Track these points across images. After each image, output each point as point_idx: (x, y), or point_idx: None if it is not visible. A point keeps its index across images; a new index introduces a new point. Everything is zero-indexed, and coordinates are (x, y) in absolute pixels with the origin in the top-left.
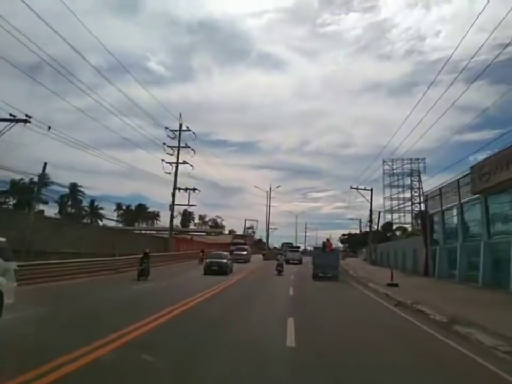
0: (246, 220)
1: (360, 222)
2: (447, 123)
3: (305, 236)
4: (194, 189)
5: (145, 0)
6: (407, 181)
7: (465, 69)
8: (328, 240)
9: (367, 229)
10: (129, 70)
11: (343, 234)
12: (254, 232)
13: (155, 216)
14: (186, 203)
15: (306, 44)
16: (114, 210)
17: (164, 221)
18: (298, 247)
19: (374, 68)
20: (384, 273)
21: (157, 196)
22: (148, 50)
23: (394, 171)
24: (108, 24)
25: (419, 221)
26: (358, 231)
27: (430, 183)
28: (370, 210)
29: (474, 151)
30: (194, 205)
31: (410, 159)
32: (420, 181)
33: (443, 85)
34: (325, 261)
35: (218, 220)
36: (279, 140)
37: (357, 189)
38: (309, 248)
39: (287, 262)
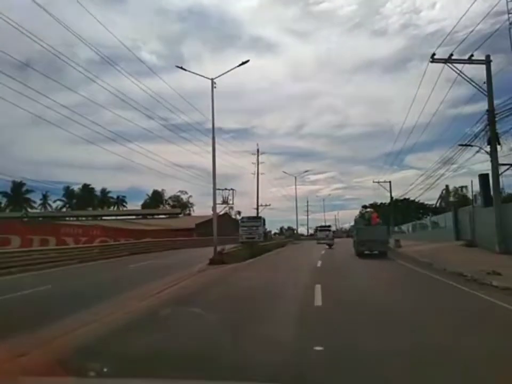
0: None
1: (391, 185)
2: (442, 97)
3: (308, 217)
4: None
5: None
6: None
7: (460, 40)
8: (373, 211)
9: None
10: (120, 61)
11: (365, 206)
12: (232, 207)
13: (120, 201)
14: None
15: (299, 24)
16: (63, 196)
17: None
18: (329, 226)
19: (369, 45)
20: None
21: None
22: (138, 40)
23: None
24: (94, 14)
25: None
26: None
27: None
28: (489, 88)
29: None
30: None
31: None
32: None
33: (437, 57)
34: (371, 236)
35: (184, 197)
36: (275, 124)
37: (447, 61)
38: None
39: (318, 243)
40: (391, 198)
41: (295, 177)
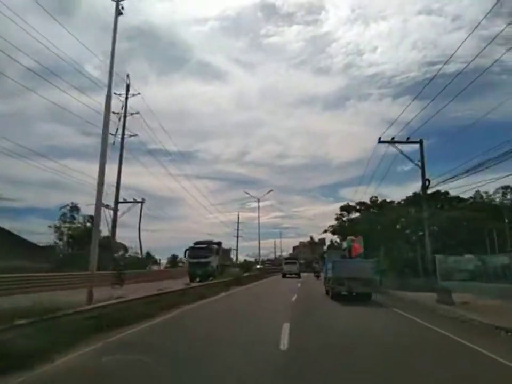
0: None
1: (422, 147)
2: (378, 135)
3: (237, 246)
4: None
5: (81, 4)
6: None
7: (395, 84)
8: (354, 240)
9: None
10: (62, 74)
11: (345, 208)
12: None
13: None
14: None
15: (248, 55)
16: None
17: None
18: (296, 259)
19: (312, 81)
20: None
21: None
22: (82, 54)
23: None
24: (38, 25)
25: None
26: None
27: None
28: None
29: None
30: None
31: None
32: None
33: (374, 98)
34: (353, 273)
35: None
36: (219, 150)
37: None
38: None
39: (284, 275)
40: (426, 183)
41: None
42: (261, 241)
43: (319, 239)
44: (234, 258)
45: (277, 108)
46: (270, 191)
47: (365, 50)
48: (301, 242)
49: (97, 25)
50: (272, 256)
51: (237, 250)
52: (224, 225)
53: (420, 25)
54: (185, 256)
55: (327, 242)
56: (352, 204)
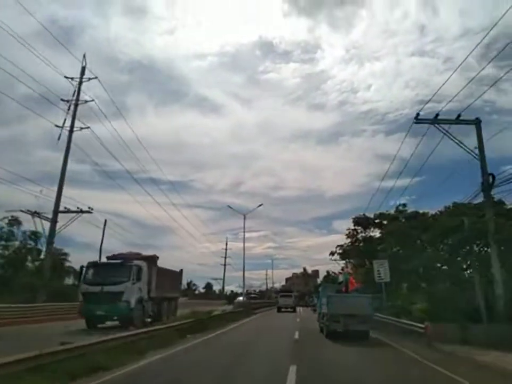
0: None
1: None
2: (370, 171)
3: (224, 275)
4: None
5: (82, 36)
6: None
7: (389, 121)
8: (350, 273)
9: None
10: (60, 102)
11: (356, 220)
12: None
13: None
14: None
15: (246, 90)
16: None
17: None
18: (291, 291)
19: (307, 117)
20: None
21: (83, 235)
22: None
23: None
24: (40, 54)
25: None
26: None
27: None
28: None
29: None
30: None
31: None
32: None
33: (367, 135)
34: (349, 309)
35: None
36: (214, 180)
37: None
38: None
39: (279, 309)
40: (489, 179)
41: None
42: (253, 272)
43: (312, 271)
44: (220, 289)
45: (272, 142)
46: (260, 205)
47: (359, 88)
48: (294, 274)
49: (100, 55)
50: (264, 287)
51: (223, 280)
52: (215, 256)
53: (413, 66)
54: (79, 281)
55: (322, 274)
56: (370, 215)
